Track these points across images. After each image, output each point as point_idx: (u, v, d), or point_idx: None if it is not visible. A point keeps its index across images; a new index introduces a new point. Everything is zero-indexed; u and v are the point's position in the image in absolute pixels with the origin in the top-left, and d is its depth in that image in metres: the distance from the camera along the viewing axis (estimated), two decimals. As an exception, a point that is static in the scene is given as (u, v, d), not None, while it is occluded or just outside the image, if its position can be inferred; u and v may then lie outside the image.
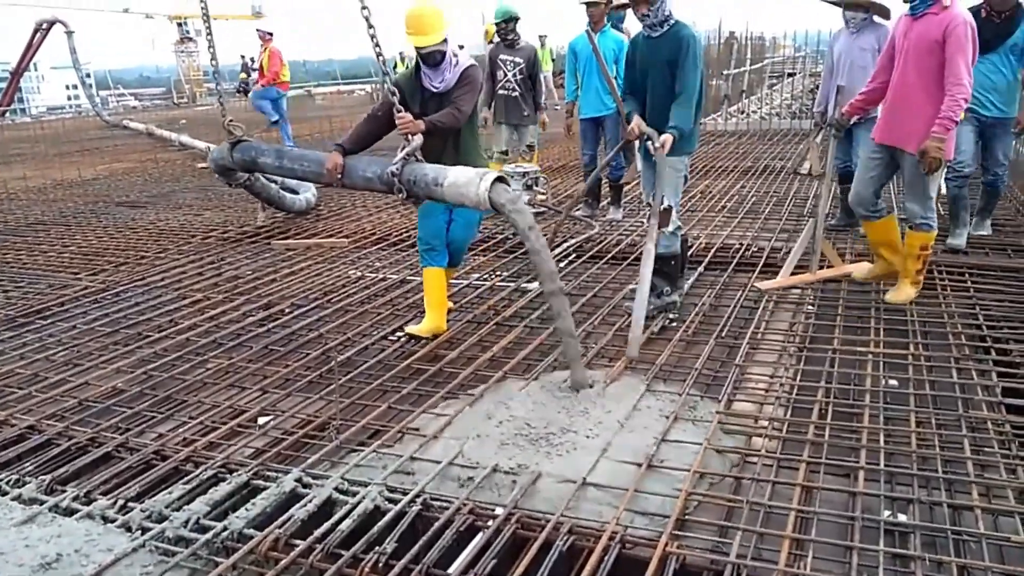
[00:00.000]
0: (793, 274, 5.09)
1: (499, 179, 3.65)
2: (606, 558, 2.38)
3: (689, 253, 5.07)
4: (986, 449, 2.98)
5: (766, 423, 3.25)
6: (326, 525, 2.57)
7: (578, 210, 7.24)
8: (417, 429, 3.31)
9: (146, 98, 37.88)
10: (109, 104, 31.92)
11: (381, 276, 5.62)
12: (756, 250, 5.85)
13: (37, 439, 3.34)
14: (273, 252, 6.57)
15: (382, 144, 4.53)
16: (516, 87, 7.42)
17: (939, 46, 4.16)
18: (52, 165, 12.96)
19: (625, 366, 3.84)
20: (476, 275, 5.61)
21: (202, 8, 4.93)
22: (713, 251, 5.83)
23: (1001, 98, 5.28)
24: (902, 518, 2.57)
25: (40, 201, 9.71)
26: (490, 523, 2.57)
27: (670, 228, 4.45)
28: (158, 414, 3.58)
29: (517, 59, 7.37)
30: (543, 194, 7.65)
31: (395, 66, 26.19)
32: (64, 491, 2.87)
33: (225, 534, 2.54)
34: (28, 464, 3.14)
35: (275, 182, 6.98)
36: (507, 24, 7.30)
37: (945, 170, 4.80)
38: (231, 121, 4.76)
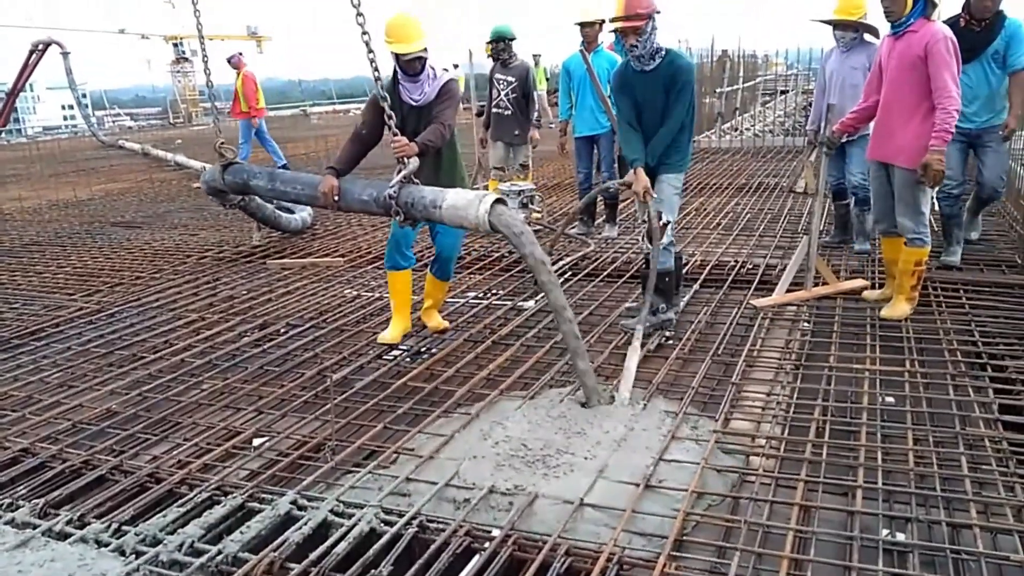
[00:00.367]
0: (788, 291, 5.10)
1: (498, 200, 3.66)
2: (604, 580, 2.36)
3: (684, 271, 5.08)
4: (984, 467, 2.97)
5: (763, 442, 3.24)
6: (321, 548, 2.54)
7: (573, 228, 7.26)
8: (413, 449, 3.29)
9: (142, 118, 38.00)
10: (105, 124, 32.01)
11: (377, 295, 5.62)
12: (751, 267, 5.86)
13: (31, 462, 3.31)
14: (268, 272, 6.57)
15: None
16: (508, 106, 7.48)
17: (921, 61, 4.25)
18: (48, 185, 12.97)
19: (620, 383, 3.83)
20: (472, 293, 5.61)
21: (197, 29, 4.95)
22: (708, 268, 5.84)
23: (984, 107, 5.22)
24: (901, 537, 2.56)
25: (35, 222, 9.71)
26: (487, 545, 2.56)
27: (664, 241, 4.47)
28: (152, 436, 3.56)
29: (510, 78, 7.43)
30: (538, 212, 7.68)
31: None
32: (57, 515, 2.84)
33: (220, 558, 2.51)
34: (21, 487, 3.11)
35: (271, 201, 6.99)
36: (498, 44, 7.37)
37: (937, 188, 4.80)
38: (222, 143, 4.78)
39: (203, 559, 2.50)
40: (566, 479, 2.96)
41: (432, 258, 4.74)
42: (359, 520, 2.69)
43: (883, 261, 5.08)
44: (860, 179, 5.76)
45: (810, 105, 9.21)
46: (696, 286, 5.45)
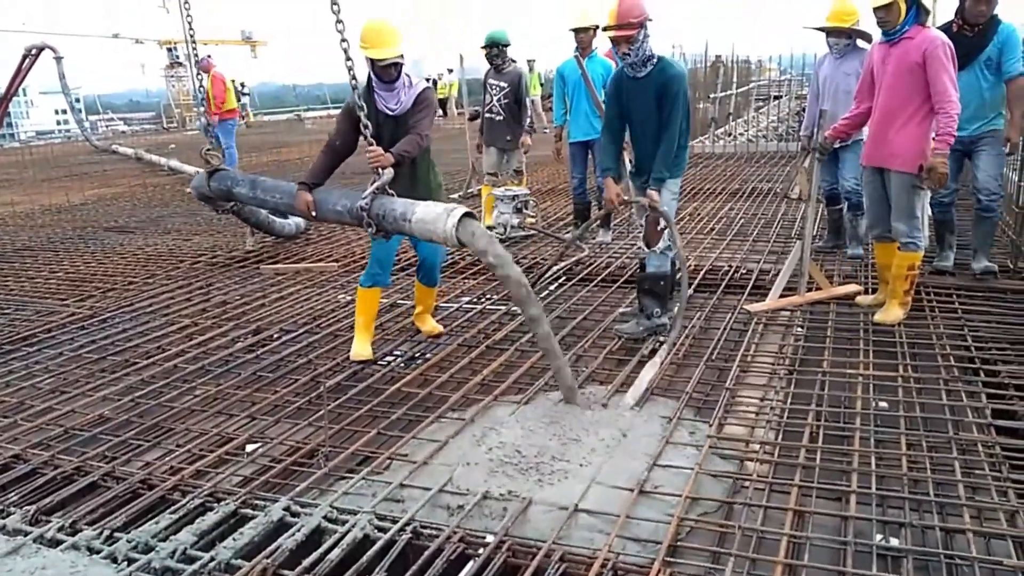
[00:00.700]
0: (782, 296, 5.11)
1: (467, 215, 3.62)
2: (598, 586, 2.36)
3: (678, 275, 5.08)
4: (977, 471, 2.97)
5: (757, 447, 3.24)
6: (315, 554, 2.54)
7: (568, 233, 7.26)
8: (406, 455, 3.28)
9: (135, 123, 37.88)
10: (98, 129, 31.90)
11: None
12: (745, 272, 5.88)
13: (22, 468, 3.29)
14: (262, 277, 6.55)
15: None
16: (501, 111, 7.49)
17: (919, 67, 4.28)
18: (40, 190, 12.92)
19: (615, 389, 3.83)
20: (466, 298, 5.60)
21: (189, 34, 4.96)
22: (702, 274, 5.85)
23: (977, 114, 5.04)
24: (894, 542, 2.56)
25: (28, 227, 9.67)
26: (481, 551, 2.55)
27: (660, 246, 4.48)
28: (145, 442, 3.55)
29: (502, 83, 7.44)
30: (532, 217, 7.68)
31: (432, 84, 26.15)
32: (49, 521, 2.82)
33: (212, 564, 2.50)
34: (12, 494, 3.09)
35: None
36: (492, 49, 7.37)
37: (930, 193, 4.79)
38: (208, 150, 4.79)
39: (196, 566, 2.49)
40: (560, 485, 2.96)
41: (417, 265, 4.73)
42: (353, 526, 2.69)
43: (876, 266, 5.10)
44: (853, 184, 5.77)
45: (803, 111, 9.23)
46: (690, 291, 5.45)
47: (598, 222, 7.39)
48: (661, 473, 3.05)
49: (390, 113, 4.19)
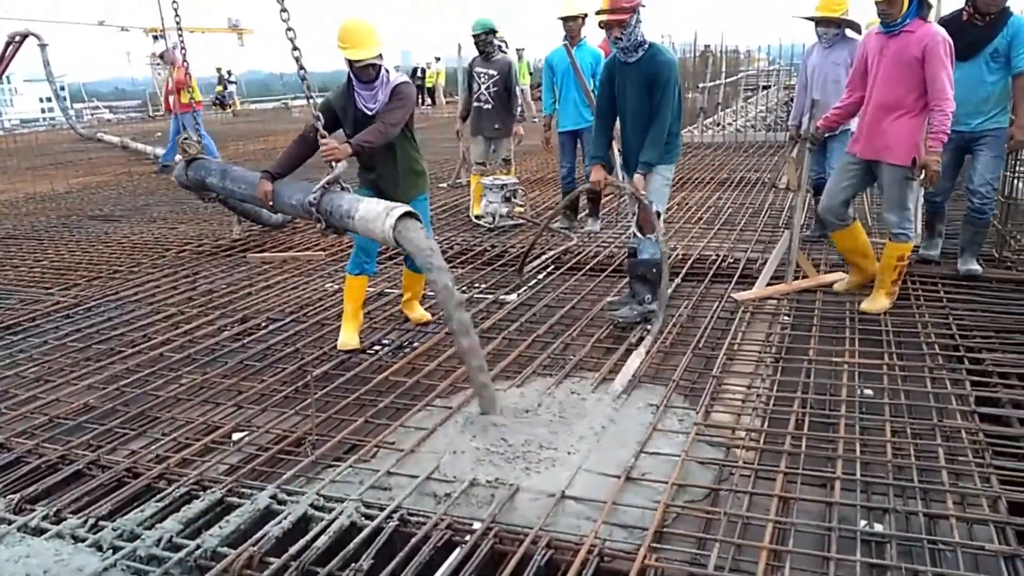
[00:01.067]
0: (769, 285, 5.13)
1: (408, 215, 3.55)
2: (585, 571, 2.37)
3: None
4: (960, 458, 3.00)
5: (743, 434, 3.26)
6: (301, 542, 2.53)
7: (556, 222, 7.25)
8: (393, 443, 3.28)
9: (121, 111, 37.52)
10: (84, 117, 31.59)
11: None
12: (732, 261, 5.89)
13: (6, 457, 3.27)
14: (249, 266, 6.52)
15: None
16: (490, 100, 7.45)
17: (918, 62, 4.26)
18: (25, 179, 12.79)
19: (603, 377, 3.84)
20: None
21: (176, 21, 4.91)
22: (690, 262, 5.86)
23: (980, 111, 4.86)
24: (878, 528, 2.58)
25: (12, 215, 9.57)
26: (468, 538, 2.55)
27: (653, 236, 4.50)
28: (130, 431, 3.53)
29: (492, 71, 7.40)
30: (521, 206, 7.67)
31: (420, 72, 25.77)
32: (33, 510, 2.81)
33: (198, 552, 2.49)
34: (-4, 483, 3.07)
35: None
36: (486, 36, 7.32)
37: (923, 188, 4.77)
38: (185, 139, 4.75)
39: (181, 554, 2.48)
40: (548, 472, 2.96)
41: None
42: (340, 514, 2.68)
43: (840, 253, 5.09)
44: (840, 174, 5.78)
45: (791, 101, 9.24)
46: (678, 279, 5.47)
47: (587, 211, 7.40)
48: (648, 460, 3.06)
49: (369, 113, 4.13)
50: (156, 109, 36.44)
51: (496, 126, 7.54)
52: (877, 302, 4.64)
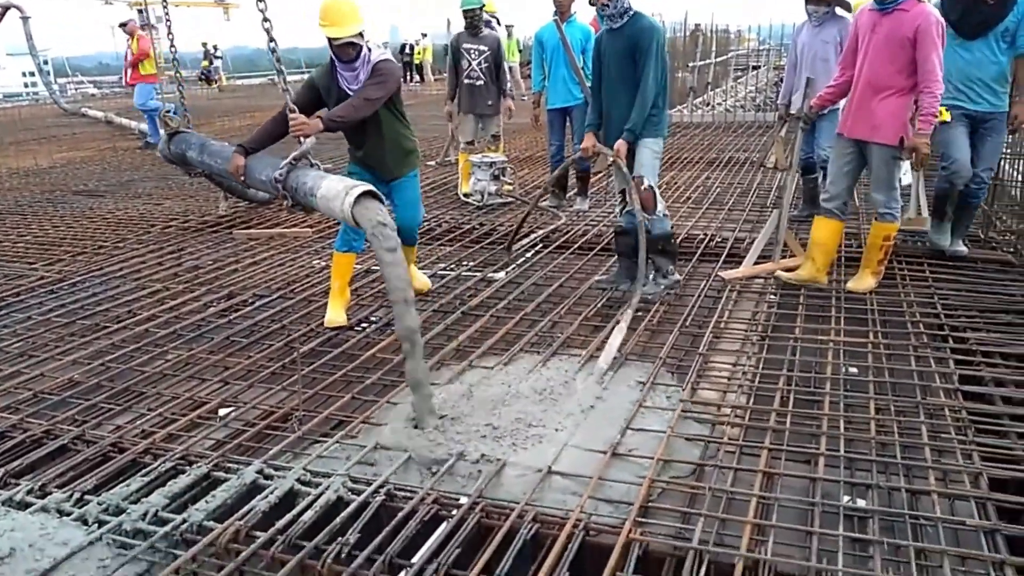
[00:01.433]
0: (756, 264, 5.14)
1: (367, 193, 3.42)
2: (570, 545, 2.38)
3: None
4: (943, 435, 3.03)
5: (729, 411, 3.28)
6: (288, 516, 2.53)
7: (544, 200, 7.23)
8: (381, 420, 3.28)
9: (105, 86, 37.02)
10: (67, 92, 31.17)
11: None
12: (720, 240, 5.90)
13: (-10, 432, 3.25)
14: (235, 242, 6.47)
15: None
16: (481, 76, 7.38)
17: (909, 42, 4.23)
18: (8, 153, 12.63)
19: (590, 355, 3.85)
20: (442, 265, 5.58)
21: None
22: (678, 241, 5.85)
23: (990, 90, 4.80)
24: (861, 503, 2.61)
25: (-6, 190, 9.47)
26: (454, 512, 2.56)
27: (659, 209, 4.54)
28: (116, 406, 3.51)
29: (481, 47, 7.32)
30: (510, 184, 7.65)
31: (408, 49, 25.48)
32: (18, 484, 2.80)
33: (184, 526, 2.49)
34: (-20, 458, 3.06)
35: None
36: (476, 12, 7.24)
37: (909, 162, 4.72)
38: (166, 112, 4.72)
39: (167, 528, 2.48)
40: (534, 448, 2.97)
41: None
42: (326, 489, 2.69)
43: (811, 241, 4.88)
44: (829, 153, 5.77)
45: (781, 81, 9.22)
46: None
47: (575, 190, 7.38)
48: (634, 436, 3.07)
49: (351, 92, 4.08)
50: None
51: (490, 102, 7.48)
52: (863, 281, 4.66)
